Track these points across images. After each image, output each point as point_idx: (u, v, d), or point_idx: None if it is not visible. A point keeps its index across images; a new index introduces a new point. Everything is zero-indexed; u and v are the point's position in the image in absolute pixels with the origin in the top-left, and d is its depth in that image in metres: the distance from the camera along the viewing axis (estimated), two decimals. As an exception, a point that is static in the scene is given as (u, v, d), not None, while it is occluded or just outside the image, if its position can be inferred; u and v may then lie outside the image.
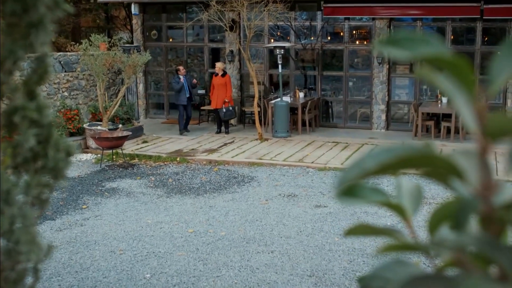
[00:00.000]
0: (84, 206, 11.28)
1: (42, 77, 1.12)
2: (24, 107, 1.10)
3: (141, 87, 20.49)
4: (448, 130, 16.76)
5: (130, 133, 15.39)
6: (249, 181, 12.93)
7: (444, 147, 15.87)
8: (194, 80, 18.08)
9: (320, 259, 8.59)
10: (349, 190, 0.94)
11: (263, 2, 16.34)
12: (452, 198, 0.91)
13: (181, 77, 17.49)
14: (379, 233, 1.03)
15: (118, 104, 16.28)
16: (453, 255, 0.76)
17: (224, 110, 17.78)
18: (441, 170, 0.71)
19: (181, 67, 17.86)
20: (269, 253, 8.83)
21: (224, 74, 17.79)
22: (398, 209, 0.98)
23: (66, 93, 17.32)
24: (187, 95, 17.57)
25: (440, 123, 17.20)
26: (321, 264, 8.42)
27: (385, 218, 10.38)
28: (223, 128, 18.13)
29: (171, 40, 20.89)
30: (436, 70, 0.71)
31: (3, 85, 1.06)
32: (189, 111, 17.81)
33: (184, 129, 17.83)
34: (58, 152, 1.20)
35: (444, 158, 0.70)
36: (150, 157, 15.03)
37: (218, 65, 17.95)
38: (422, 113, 16.82)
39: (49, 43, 1.07)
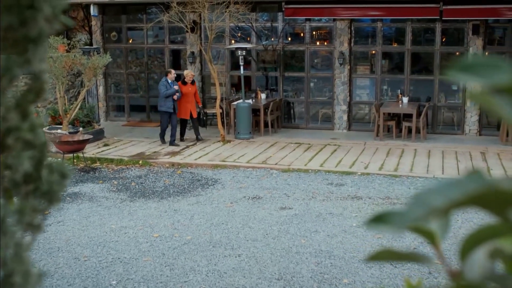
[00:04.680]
0: (45, 212, 11.03)
1: (38, 95, 1.03)
2: (18, 127, 1.02)
3: (101, 89, 20.22)
4: (409, 130, 16.91)
5: (91, 136, 15.16)
6: (213, 184, 12.84)
7: (406, 146, 16.01)
8: (175, 87, 16.39)
9: (287, 262, 8.55)
10: (379, 217, 0.88)
11: (224, 3, 16.26)
12: (488, 224, 0.85)
13: (170, 81, 16.24)
14: (405, 258, 0.97)
15: (78, 107, 16.02)
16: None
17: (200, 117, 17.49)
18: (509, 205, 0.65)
19: (172, 71, 16.56)
20: (236, 257, 8.76)
21: (193, 82, 16.93)
22: (428, 235, 0.92)
23: (24, 96, 16.95)
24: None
25: (401, 123, 17.34)
26: (288, 267, 8.38)
27: (350, 219, 10.39)
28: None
29: (131, 41, 20.67)
30: (494, 94, 0.65)
31: (-4, 104, 0.98)
32: (174, 120, 16.44)
33: (174, 141, 16.47)
34: (52, 174, 1.12)
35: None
36: (112, 160, 14.82)
37: (190, 73, 16.87)
38: (384, 113, 16.94)
39: (46, 59, 0.99)
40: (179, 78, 17.13)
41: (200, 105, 17.41)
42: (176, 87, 16.24)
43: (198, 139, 16.96)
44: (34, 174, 1.08)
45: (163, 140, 16.67)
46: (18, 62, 0.93)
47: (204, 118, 18.04)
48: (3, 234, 1.01)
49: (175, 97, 16.23)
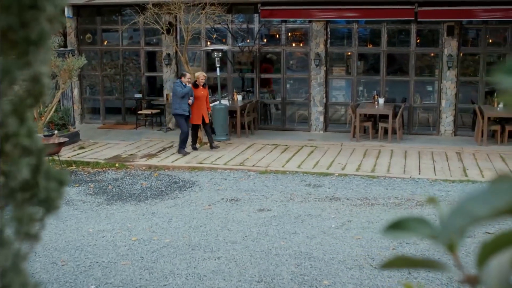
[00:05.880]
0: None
1: (37, 99, 0.99)
2: (16, 133, 0.98)
3: (76, 92, 20.04)
4: (386, 131, 16.98)
5: (67, 139, 14.99)
6: (191, 186, 12.77)
7: (382, 147, 16.07)
8: (189, 84, 15.43)
9: (267, 264, 8.52)
10: (396, 224, 0.86)
11: (200, 5, 16.20)
12: (508, 230, 0.83)
13: (184, 84, 15.24)
14: (420, 265, 0.95)
15: (53, 109, 15.85)
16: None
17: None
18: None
19: (187, 74, 15.50)
20: (215, 260, 8.71)
21: (205, 85, 15.90)
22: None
23: (-2, 99, 16.73)
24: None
25: (377, 124, 17.41)
26: (268, 269, 8.35)
27: (329, 220, 10.39)
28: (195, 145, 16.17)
29: (106, 43, 20.51)
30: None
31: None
32: (188, 125, 15.64)
33: (187, 146, 15.66)
34: (49, 181, 1.08)
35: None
36: (88, 163, 14.68)
37: (201, 74, 15.88)
38: (360, 114, 16.99)
39: (48, 61, 0.95)
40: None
41: (210, 111, 16.16)
42: (188, 86, 15.28)
43: (212, 147, 15.84)
44: (31, 181, 1.04)
45: (183, 150, 15.51)
46: (18, 65, 0.89)
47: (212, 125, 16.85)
48: (2, 245, 0.96)
49: (189, 101, 15.29)
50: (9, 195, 1.06)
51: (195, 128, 15.99)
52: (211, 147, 15.84)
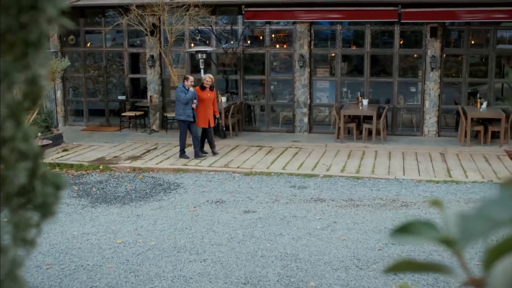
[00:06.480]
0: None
1: (35, 101, 0.97)
2: (13, 137, 0.96)
3: (59, 94, 19.92)
4: (370, 132, 17.03)
5: (50, 141, 14.90)
6: (176, 188, 12.73)
7: (366, 148, 16.11)
8: (191, 89, 14.89)
9: (253, 266, 8.51)
10: (404, 228, 0.84)
11: (184, 6, 16.16)
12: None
13: (187, 88, 14.72)
14: (425, 268, 0.94)
15: (36, 111, 15.73)
16: None
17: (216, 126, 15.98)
18: None
19: (189, 77, 14.93)
20: (201, 262, 8.68)
21: (212, 87, 15.41)
22: (449, 243, 0.89)
23: (-20, 101, 16.58)
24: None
25: (361, 125, 17.46)
26: (255, 271, 8.33)
27: (314, 222, 10.39)
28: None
29: (89, 45, 20.40)
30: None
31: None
32: (194, 129, 15.11)
33: (198, 152, 15.20)
34: (46, 186, 1.05)
35: None
36: (71, 165, 14.58)
37: (208, 78, 15.36)
38: (344, 116, 17.02)
39: (47, 63, 0.93)
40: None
41: (217, 115, 15.77)
42: (191, 90, 14.78)
43: (213, 152, 15.49)
44: (27, 186, 1.02)
45: (184, 154, 15.20)
46: (17, 67, 0.87)
47: (223, 129, 16.85)
48: (2, 252, 0.94)
49: (193, 105, 14.81)
50: (5, 200, 1.04)
51: (202, 132, 15.48)
52: (212, 152, 15.53)
